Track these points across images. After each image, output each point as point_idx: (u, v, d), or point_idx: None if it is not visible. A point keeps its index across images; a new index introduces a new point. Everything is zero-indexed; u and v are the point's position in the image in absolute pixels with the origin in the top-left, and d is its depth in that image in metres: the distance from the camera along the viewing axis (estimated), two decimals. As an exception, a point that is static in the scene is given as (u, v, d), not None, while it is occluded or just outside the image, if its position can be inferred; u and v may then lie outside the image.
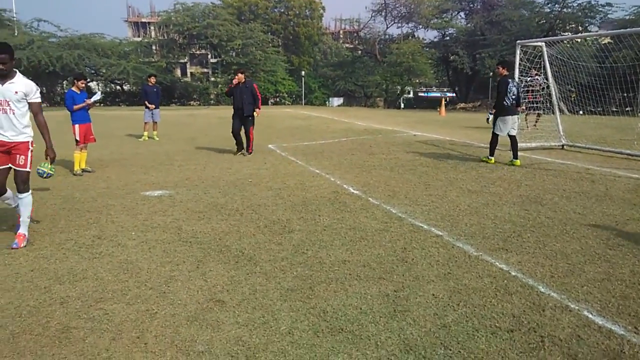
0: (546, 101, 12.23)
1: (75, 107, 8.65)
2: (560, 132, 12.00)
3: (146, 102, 14.28)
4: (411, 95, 52.28)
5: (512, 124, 9.59)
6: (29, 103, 4.92)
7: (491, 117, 9.87)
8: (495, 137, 9.73)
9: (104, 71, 38.80)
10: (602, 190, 7.37)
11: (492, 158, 9.86)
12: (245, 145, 11.12)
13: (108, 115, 24.74)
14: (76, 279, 4.10)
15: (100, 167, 9.45)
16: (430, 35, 61.73)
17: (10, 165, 4.92)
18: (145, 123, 14.42)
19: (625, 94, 16.20)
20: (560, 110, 12.37)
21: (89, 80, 40.68)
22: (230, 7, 45.24)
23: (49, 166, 5.80)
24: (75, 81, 8.99)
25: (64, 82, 39.96)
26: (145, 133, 14.39)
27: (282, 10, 47.95)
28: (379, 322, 3.41)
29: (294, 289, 3.96)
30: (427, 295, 3.83)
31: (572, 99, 13.78)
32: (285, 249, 4.88)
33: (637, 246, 4.92)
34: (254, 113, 10.93)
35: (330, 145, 12.78)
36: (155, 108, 14.30)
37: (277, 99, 45.75)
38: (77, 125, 8.75)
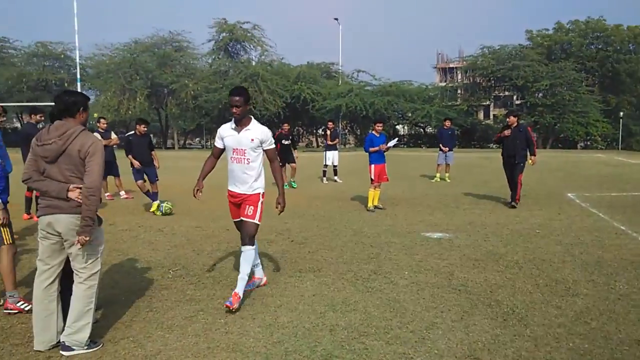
0: None
1: (372, 149, 9.47)
2: None
3: (440, 145, 14.71)
4: None
5: None
6: (265, 150, 4.68)
7: None
8: None
9: (409, 115, 41.57)
10: None
11: None
12: (512, 194, 9.90)
13: (409, 156, 26.33)
14: (347, 309, 4.42)
15: (391, 205, 10.07)
16: None
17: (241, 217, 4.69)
18: (438, 165, 14.84)
19: None
20: None
21: (395, 123, 44.30)
22: (539, 47, 43.37)
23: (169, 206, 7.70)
24: (374, 125, 9.92)
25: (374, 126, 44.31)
26: (438, 175, 14.79)
27: (600, 47, 43.51)
28: None
29: (566, 364, 3.46)
30: None
31: None
32: (565, 315, 4.32)
33: None
34: (529, 160, 9.83)
35: (646, 198, 10.91)
36: (449, 150, 14.60)
37: (588, 143, 41.42)
38: (372, 165, 9.55)
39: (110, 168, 10.99)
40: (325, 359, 3.48)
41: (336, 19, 43.23)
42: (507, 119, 10.01)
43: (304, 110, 39.63)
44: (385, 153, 9.69)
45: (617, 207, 9.78)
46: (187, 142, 52.23)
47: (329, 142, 14.70)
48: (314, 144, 46.40)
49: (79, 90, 37.44)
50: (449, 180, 14.53)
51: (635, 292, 4.89)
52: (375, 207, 9.61)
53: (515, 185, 9.72)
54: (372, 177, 9.58)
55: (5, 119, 6.02)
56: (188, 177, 15.86)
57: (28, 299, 4.11)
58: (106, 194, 10.93)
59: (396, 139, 13.59)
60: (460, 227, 8.00)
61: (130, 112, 37.63)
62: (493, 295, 4.82)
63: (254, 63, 41.78)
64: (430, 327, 4.07)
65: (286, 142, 13.16)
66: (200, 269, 5.57)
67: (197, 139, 53.18)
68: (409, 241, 7.05)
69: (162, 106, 42.14)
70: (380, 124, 10.00)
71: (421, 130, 45.55)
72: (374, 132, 9.85)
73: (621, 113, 40.29)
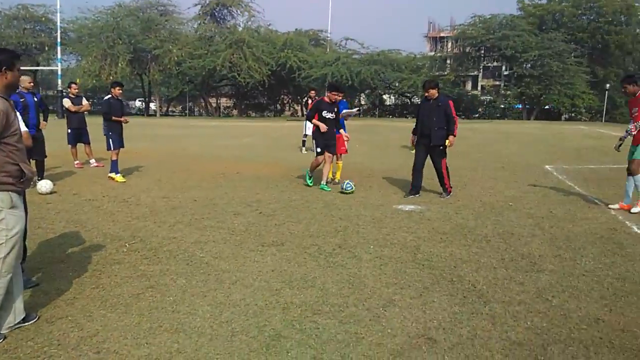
0: None
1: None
2: None
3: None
4: None
5: None
6: None
7: None
8: None
9: (396, 84, 41.16)
10: None
11: None
12: (440, 182, 8.17)
13: (392, 127, 26.13)
14: (305, 285, 4.29)
15: (367, 177, 9.92)
16: None
17: None
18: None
19: None
20: None
21: (382, 93, 43.86)
22: (531, 17, 42.83)
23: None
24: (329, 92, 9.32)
25: (361, 95, 43.90)
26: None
27: (592, 17, 43.05)
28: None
29: (522, 344, 3.36)
30: None
31: None
32: (526, 291, 4.23)
33: None
34: (446, 142, 7.90)
35: (623, 171, 10.81)
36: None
37: (572, 114, 41.44)
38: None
39: (80, 135, 10.70)
40: (272, 339, 3.34)
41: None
42: (426, 92, 7.98)
43: (289, 79, 39.07)
44: (345, 122, 9.25)
45: (593, 180, 9.71)
46: (169, 109, 51.42)
47: (310, 111, 14.44)
48: (299, 113, 45.96)
49: (59, 54, 36.61)
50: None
51: (600, 268, 4.80)
52: (332, 180, 9.21)
53: (439, 173, 8.08)
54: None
55: None
56: (163, 145, 15.66)
57: None
58: (75, 162, 10.63)
59: (357, 108, 13.31)
60: (433, 200, 7.88)
61: (111, 77, 36.73)
62: (456, 271, 4.71)
63: (240, 29, 40.91)
64: (387, 304, 3.95)
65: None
66: (158, 243, 5.39)
67: (181, 106, 52.40)
68: (379, 214, 6.91)
69: (145, 72, 41.25)
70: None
71: (407, 100, 45.19)
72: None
73: (608, 85, 40.21)
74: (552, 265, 4.87)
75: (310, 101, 14.51)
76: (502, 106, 41.74)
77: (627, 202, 7.18)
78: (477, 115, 42.50)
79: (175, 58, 37.37)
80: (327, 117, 8.54)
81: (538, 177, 10.05)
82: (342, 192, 8.20)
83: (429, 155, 8.14)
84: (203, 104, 48.81)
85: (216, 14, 42.66)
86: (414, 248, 5.38)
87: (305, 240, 5.62)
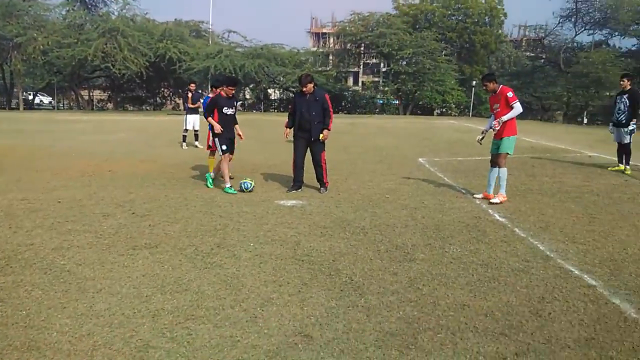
0: None
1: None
2: None
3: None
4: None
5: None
6: None
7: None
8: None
9: (281, 79, 41.20)
10: None
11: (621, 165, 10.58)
12: (317, 178, 8.23)
13: (278, 121, 26.12)
14: (179, 289, 4.08)
15: (250, 173, 9.73)
16: (627, 43, 54.61)
17: None
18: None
19: None
20: None
21: (266, 87, 43.72)
22: (405, 16, 45.02)
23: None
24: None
25: (245, 89, 43.41)
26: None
27: (460, 18, 46.29)
28: (482, 395, 2.77)
29: (395, 334, 3.45)
30: (556, 368, 3.06)
31: None
32: (399, 281, 4.38)
33: None
34: (320, 136, 8.06)
35: (486, 162, 11.70)
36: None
37: (444, 110, 44.36)
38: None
39: None
40: (139, 350, 3.12)
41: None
42: (303, 87, 7.91)
43: (170, 71, 37.48)
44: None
45: (460, 171, 10.40)
46: (35, 102, 47.09)
47: (190, 105, 13.97)
48: (181, 107, 44.41)
49: None
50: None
51: (467, 254, 5.12)
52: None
53: (319, 167, 8.18)
54: (210, 144, 8.95)
55: None
56: (27, 142, 14.20)
57: None
58: None
59: (239, 102, 13.14)
60: (314, 194, 7.95)
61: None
62: (334, 264, 4.76)
63: (113, 17, 38.43)
64: (265, 303, 3.88)
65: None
66: (12, 250, 4.84)
67: (49, 99, 48.23)
68: (261, 210, 6.82)
69: (6, 62, 37.32)
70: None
71: (292, 94, 45.49)
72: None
73: (474, 82, 43.53)
74: (423, 255, 5.10)
75: (190, 94, 14.02)
76: (381, 102, 43.50)
77: (489, 191, 7.75)
78: (358, 111, 43.90)
79: (41, 47, 34.18)
80: (228, 113, 8.15)
81: (412, 169, 10.56)
82: (241, 191, 7.94)
83: (309, 149, 8.19)
84: (74, 97, 45.31)
85: (87, 0, 39.79)
86: (294, 244, 5.36)
87: (182, 241, 5.37)
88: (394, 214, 6.75)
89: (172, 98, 46.74)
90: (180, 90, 42.94)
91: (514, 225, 6.22)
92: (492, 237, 5.72)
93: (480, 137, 7.94)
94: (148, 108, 44.63)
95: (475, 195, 7.88)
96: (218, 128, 7.98)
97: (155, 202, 7.12)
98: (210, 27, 43.44)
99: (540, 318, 3.71)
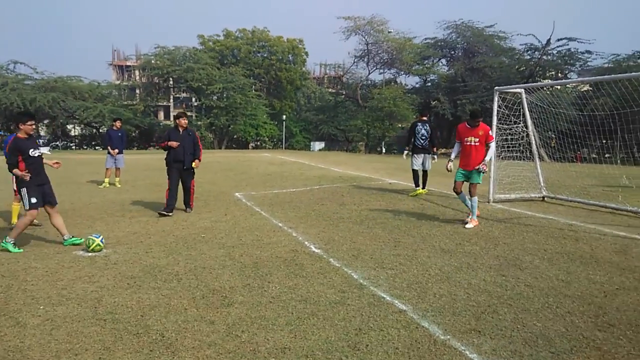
0: (526, 150, 11.70)
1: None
2: (541, 182, 11.44)
3: (109, 148, 13.61)
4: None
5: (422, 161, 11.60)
6: None
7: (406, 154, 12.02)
8: (414, 172, 11.71)
9: (81, 113, 38.08)
10: (587, 251, 6.69)
11: (418, 189, 11.71)
12: (185, 201, 9.55)
13: (78, 160, 23.90)
14: (-63, 379, 3.24)
15: (45, 218, 8.56)
16: (412, 81, 62.53)
17: None
18: (107, 169, 13.64)
19: (604, 141, 15.98)
20: (541, 158, 11.85)
21: (64, 122, 40.03)
22: (212, 52, 45.26)
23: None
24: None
25: (38, 125, 39.13)
26: (106, 180, 13.59)
27: (265, 55, 48.03)
28: None
29: (213, 392, 3.13)
30: (377, 403, 3.04)
31: (552, 145, 13.31)
32: (217, 331, 4.07)
33: (630, 327, 4.19)
34: (192, 164, 9.43)
35: (300, 194, 12.05)
36: (119, 153, 13.61)
37: (258, 143, 45.37)
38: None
39: None
40: None
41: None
42: (177, 121, 9.60)
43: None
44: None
45: (276, 204, 10.48)
46: None
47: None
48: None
49: None
50: (119, 186, 13.49)
51: (285, 291, 5.02)
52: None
53: (188, 191, 9.56)
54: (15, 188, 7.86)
55: None
56: None
57: None
58: None
59: (49, 148, 11.81)
60: (121, 239, 7.24)
61: None
62: (143, 320, 4.26)
63: None
64: (57, 380, 3.26)
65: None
66: None
67: None
68: (54, 264, 5.94)
69: None
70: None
71: (95, 130, 42.33)
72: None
73: (284, 116, 45.40)
74: (242, 297, 4.87)
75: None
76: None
77: (474, 214, 8.31)
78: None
79: None
80: (35, 155, 6.71)
81: (229, 204, 10.33)
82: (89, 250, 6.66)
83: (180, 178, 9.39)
84: None
85: None
86: (95, 301, 4.71)
87: (-54, 312, 4.36)
88: (210, 254, 6.42)
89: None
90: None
91: (329, 256, 6.34)
92: (309, 270, 5.74)
93: (450, 165, 8.58)
94: None
95: (467, 226, 8.13)
96: (27, 176, 6.55)
97: None
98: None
99: (359, 352, 3.72)
